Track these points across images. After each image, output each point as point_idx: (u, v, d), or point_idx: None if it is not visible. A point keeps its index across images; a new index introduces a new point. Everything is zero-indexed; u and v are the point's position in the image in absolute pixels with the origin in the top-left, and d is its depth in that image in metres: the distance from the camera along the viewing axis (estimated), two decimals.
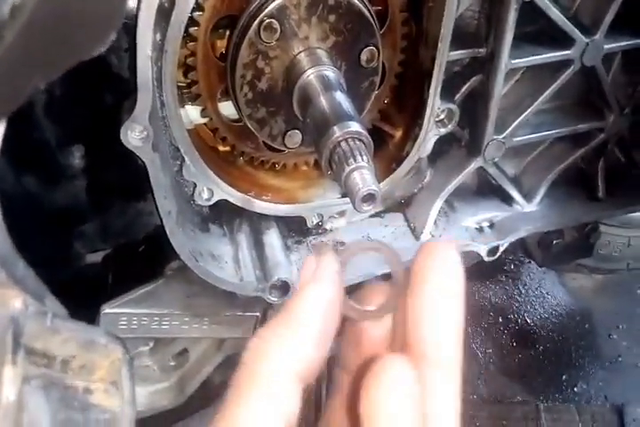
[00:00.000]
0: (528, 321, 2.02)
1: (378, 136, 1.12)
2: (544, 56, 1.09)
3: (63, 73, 0.47)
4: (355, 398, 0.45)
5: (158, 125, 0.91)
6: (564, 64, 1.12)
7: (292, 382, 0.46)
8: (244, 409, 0.44)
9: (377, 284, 0.53)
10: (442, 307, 0.47)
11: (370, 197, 0.82)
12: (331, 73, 0.94)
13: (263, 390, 0.45)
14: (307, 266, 0.50)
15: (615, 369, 1.94)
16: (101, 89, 0.93)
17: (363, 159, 0.83)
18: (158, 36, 0.86)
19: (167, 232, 0.93)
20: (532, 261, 2.07)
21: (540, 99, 1.13)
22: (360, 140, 0.86)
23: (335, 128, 0.87)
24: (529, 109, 1.14)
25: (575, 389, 1.89)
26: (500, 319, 2.00)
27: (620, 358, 1.96)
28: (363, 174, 0.82)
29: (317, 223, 1.14)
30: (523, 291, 2.08)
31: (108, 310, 1.02)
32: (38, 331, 0.49)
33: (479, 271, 1.99)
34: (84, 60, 0.47)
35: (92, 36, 0.47)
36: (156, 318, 1.06)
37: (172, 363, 1.16)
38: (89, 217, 0.99)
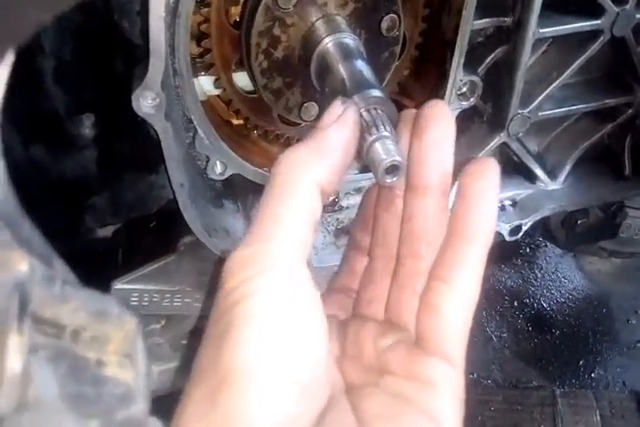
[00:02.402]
0: (544, 306, 1.98)
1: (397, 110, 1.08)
2: (573, 26, 1.05)
3: (72, 7, 0.42)
4: None
5: (171, 94, 0.88)
6: (593, 34, 1.08)
7: (314, 189, 0.58)
8: (277, 204, 0.57)
9: None
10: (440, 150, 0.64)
11: (394, 169, 0.78)
12: (350, 41, 0.90)
13: (292, 191, 0.57)
14: (334, 109, 0.64)
15: (633, 355, 1.90)
16: (112, 55, 0.89)
17: (386, 129, 0.79)
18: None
19: (180, 205, 0.90)
20: (549, 245, 2.04)
21: (568, 71, 1.09)
22: (382, 109, 0.82)
23: (356, 97, 0.83)
24: (556, 82, 1.09)
25: (592, 374, 1.85)
26: (516, 304, 1.97)
27: (638, 344, 1.93)
28: (386, 144, 0.78)
29: (334, 200, 1.11)
30: (539, 275, 2.04)
31: (119, 285, 0.99)
32: (46, 298, 0.46)
33: (495, 255, 1.95)
34: None
35: None
36: (167, 295, 1.04)
37: (185, 341, 1.13)
38: (99, 190, 0.96)
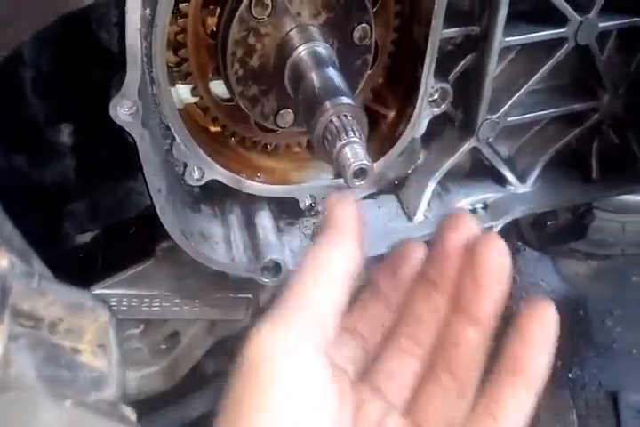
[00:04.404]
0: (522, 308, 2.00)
1: (371, 117, 1.10)
2: (537, 34, 1.08)
3: (51, 24, 0.45)
4: None
5: (148, 102, 0.90)
6: (557, 42, 1.11)
7: (344, 281, 0.59)
8: (308, 287, 0.58)
9: None
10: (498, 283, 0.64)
11: (361, 172, 0.81)
12: (323, 49, 0.93)
13: (322, 283, 0.58)
14: (331, 197, 0.65)
15: (609, 356, 1.93)
16: (91, 65, 0.91)
17: (355, 134, 0.82)
18: (148, 11, 0.85)
19: (157, 210, 0.91)
20: (527, 249, 2.06)
21: (534, 78, 1.12)
22: (352, 115, 0.85)
23: (327, 104, 0.86)
24: (523, 89, 1.13)
25: (569, 375, 1.88)
26: None
27: (614, 345, 1.96)
28: (354, 149, 0.81)
29: (310, 205, 1.13)
30: (517, 278, 2.07)
31: (97, 290, 1.00)
32: (25, 292, 0.48)
33: None
34: (71, 9, 0.45)
35: None
36: (146, 300, 1.04)
37: (164, 346, 1.14)
38: (78, 196, 0.98)
